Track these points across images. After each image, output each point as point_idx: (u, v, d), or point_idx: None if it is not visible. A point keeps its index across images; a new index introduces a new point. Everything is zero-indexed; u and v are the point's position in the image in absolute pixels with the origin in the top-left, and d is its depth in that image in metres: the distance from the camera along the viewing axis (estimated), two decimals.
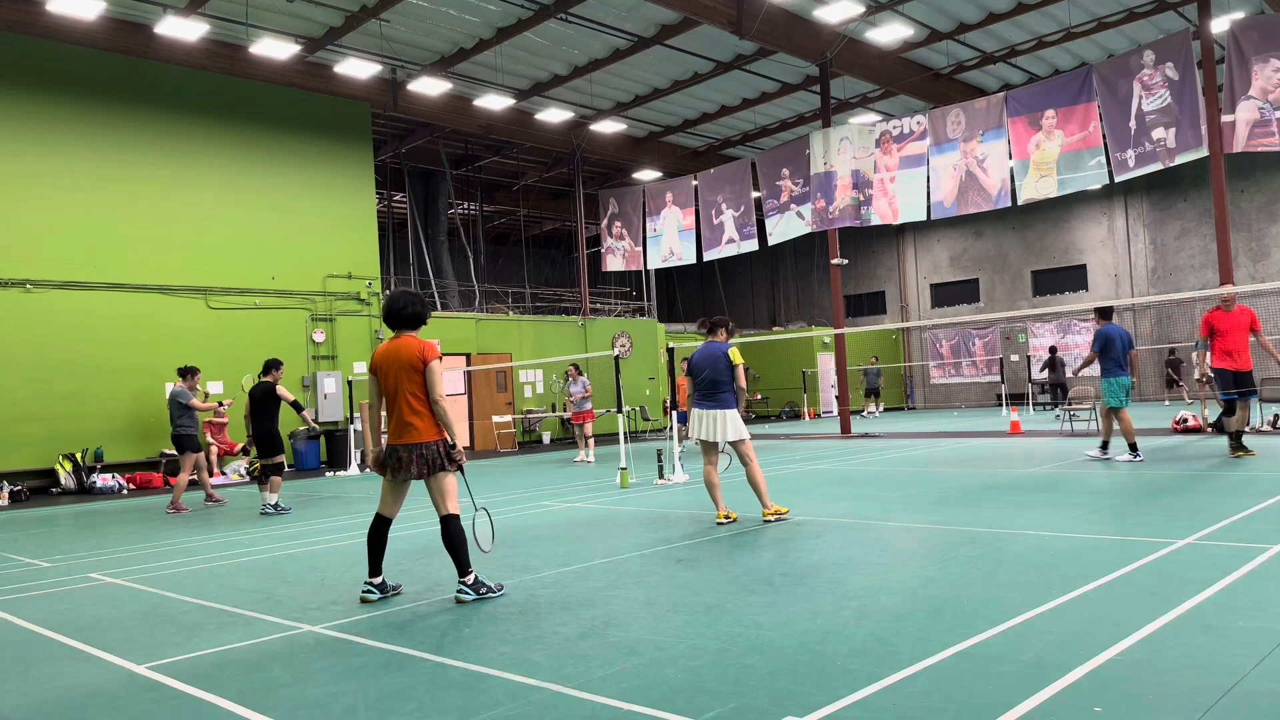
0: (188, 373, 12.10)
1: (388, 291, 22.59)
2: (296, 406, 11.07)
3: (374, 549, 5.65)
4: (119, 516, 11.52)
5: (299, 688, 3.97)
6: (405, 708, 3.64)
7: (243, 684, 4.07)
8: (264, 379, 11.07)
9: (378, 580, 5.67)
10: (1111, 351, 11.19)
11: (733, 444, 7.97)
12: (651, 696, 3.58)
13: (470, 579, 5.46)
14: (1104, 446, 11.78)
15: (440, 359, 5.58)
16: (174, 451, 16.67)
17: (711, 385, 7.99)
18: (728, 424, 7.91)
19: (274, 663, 4.38)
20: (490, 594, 5.49)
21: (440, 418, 5.52)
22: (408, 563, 6.90)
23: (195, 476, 12.43)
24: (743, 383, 7.99)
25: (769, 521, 7.89)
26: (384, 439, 5.69)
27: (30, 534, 10.23)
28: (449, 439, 5.56)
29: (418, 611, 5.28)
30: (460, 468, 5.58)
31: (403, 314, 5.66)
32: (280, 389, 10.96)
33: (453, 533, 5.45)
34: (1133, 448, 11.15)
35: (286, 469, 18.06)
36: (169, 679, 4.21)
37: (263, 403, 11.02)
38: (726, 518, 7.99)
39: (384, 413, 5.69)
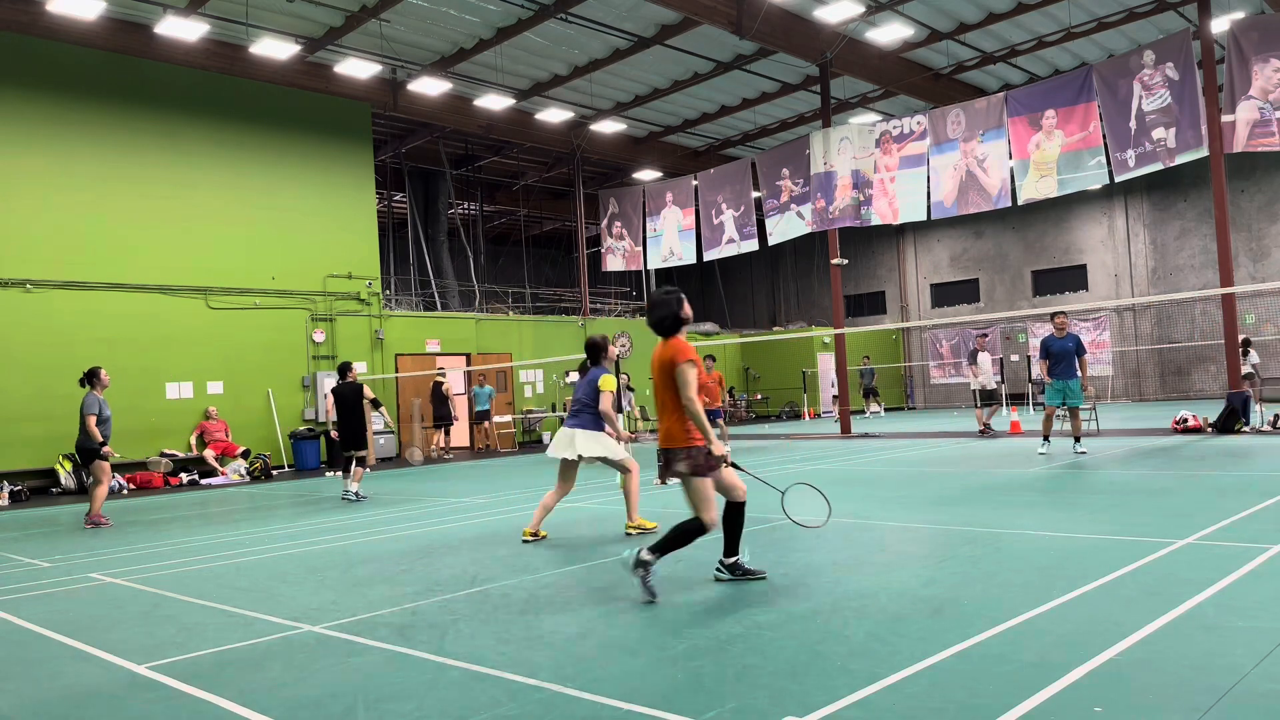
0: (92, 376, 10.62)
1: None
2: (375, 404, 11.92)
3: (728, 529, 5.61)
4: (119, 517, 11.50)
5: (299, 688, 3.97)
6: (405, 708, 3.63)
7: (243, 684, 4.06)
8: (347, 379, 12.00)
9: (730, 560, 5.64)
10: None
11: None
12: (651, 696, 3.58)
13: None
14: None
15: (690, 361, 5.34)
16: (174, 451, 16.76)
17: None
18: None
19: (274, 663, 4.38)
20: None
21: (694, 419, 5.28)
22: (408, 562, 6.90)
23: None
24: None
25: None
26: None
27: (30, 534, 10.23)
28: (707, 443, 5.31)
29: (418, 611, 5.28)
30: (715, 467, 5.35)
31: (654, 324, 5.57)
32: (366, 389, 11.94)
33: (689, 533, 5.31)
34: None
35: (286, 469, 18.08)
36: (169, 679, 4.21)
37: (354, 400, 11.93)
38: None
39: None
